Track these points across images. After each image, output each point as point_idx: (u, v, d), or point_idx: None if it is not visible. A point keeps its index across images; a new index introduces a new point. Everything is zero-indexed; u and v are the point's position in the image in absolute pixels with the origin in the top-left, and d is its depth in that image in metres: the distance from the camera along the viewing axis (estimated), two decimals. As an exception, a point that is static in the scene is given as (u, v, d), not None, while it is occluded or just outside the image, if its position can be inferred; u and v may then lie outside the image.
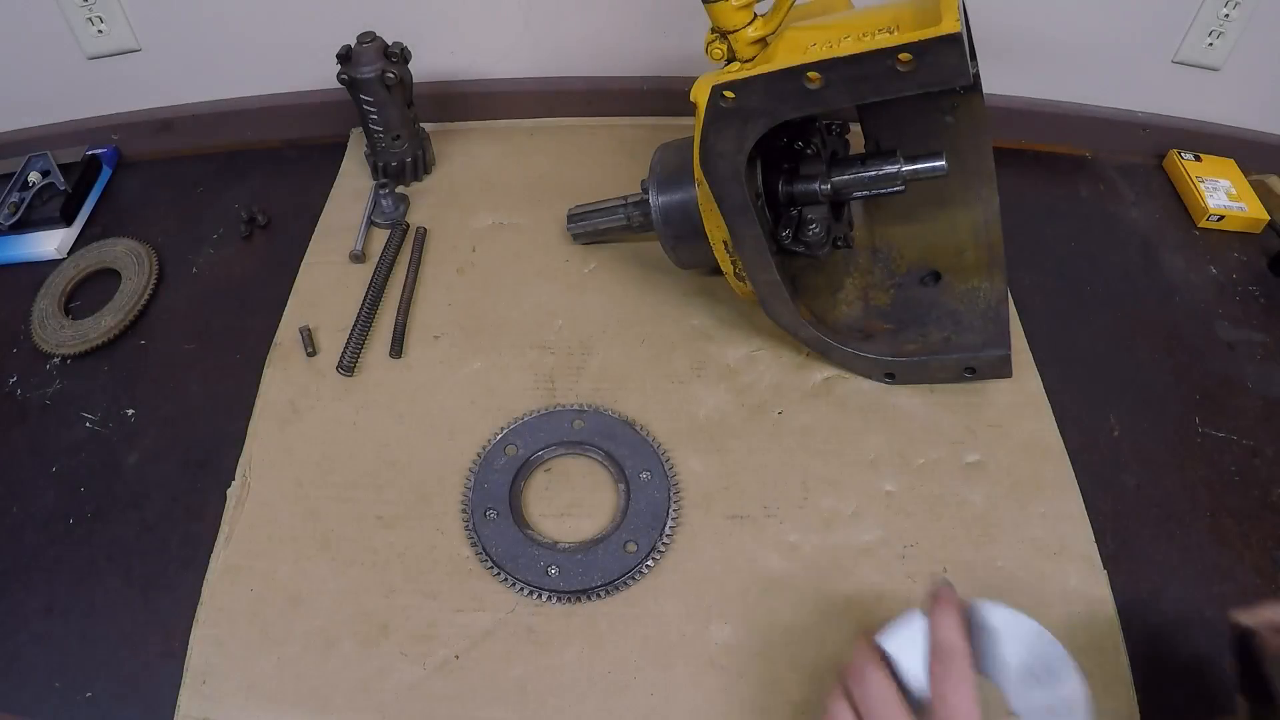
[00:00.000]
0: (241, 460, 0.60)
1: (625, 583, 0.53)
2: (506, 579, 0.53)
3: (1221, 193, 0.79)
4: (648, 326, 0.68)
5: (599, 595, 0.53)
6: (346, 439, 0.62)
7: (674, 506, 0.57)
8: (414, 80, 0.76)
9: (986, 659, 0.41)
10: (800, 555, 0.55)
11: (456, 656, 0.51)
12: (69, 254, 0.77)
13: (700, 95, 0.50)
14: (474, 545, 0.55)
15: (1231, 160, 0.83)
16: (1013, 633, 0.41)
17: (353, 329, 0.67)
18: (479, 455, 0.59)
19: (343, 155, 0.85)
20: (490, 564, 0.54)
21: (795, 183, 0.59)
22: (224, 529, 0.57)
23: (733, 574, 0.54)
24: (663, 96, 0.85)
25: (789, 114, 0.49)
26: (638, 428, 0.61)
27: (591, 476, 0.59)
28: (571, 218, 0.73)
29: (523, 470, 0.59)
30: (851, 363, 0.63)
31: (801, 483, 0.58)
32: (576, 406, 0.62)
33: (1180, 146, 0.84)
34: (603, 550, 0.54)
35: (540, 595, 0.53)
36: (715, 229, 0.58)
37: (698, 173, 0.54)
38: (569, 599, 0.53)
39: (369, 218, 0.77)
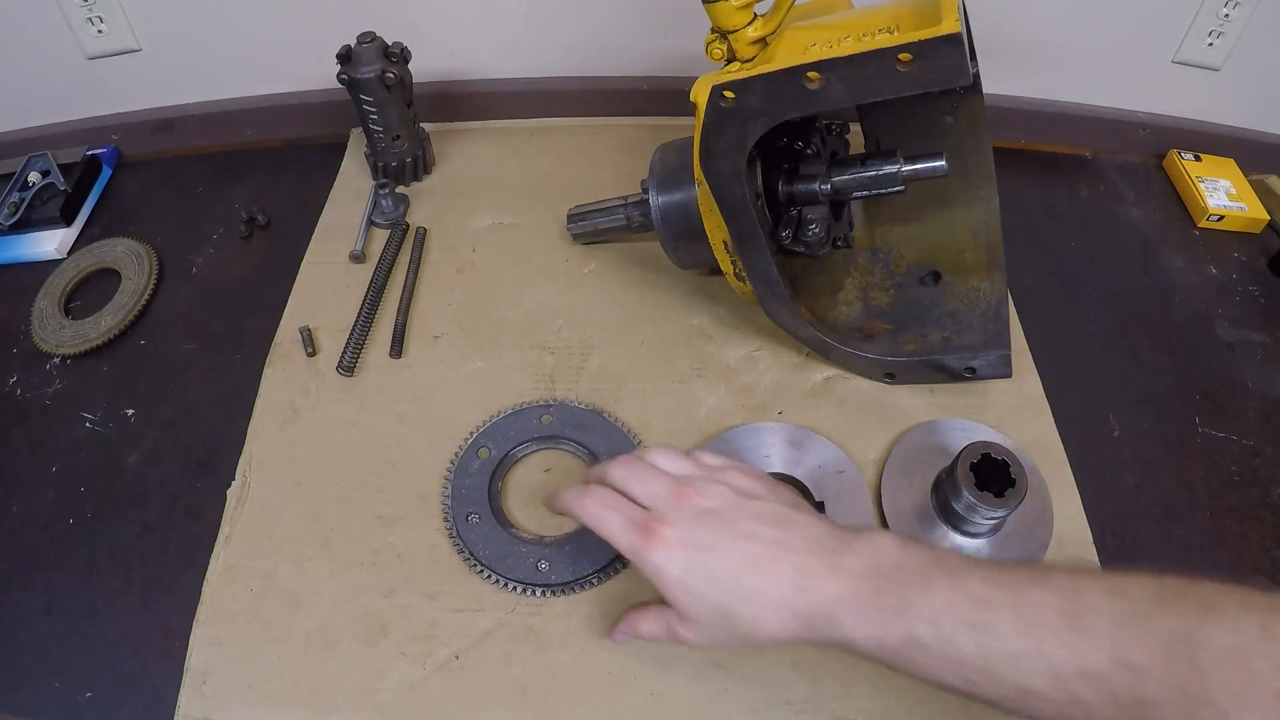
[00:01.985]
0: (241, 460, 0.60)
1: (615, 567, 0.54)
2: (498, 580, 0.53)
3: (1221, 193, 0.79)
4: (648, 327, 0.68)
5: (591, 584, 0.53)
6: (346, 439, 0.62)
7: None
8: (414, 80, 0.76)
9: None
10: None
11: (456, 656, 0.51)
12: (69, 254, 0.77)
13: (700, 95, 0.50)
14: (460, 551, 0.55)
15: (1231, 160, 0.83)
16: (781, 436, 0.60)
17: (353, 329, 0.67)
18: (452, 462, 0.59)
19: (343, 155, 0.85)
20: (480, 567, 0.54)
21: (795, 183, 0.59)
22: (224, 529, 0.57)
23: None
24: (663, 96, 0.85)
25: (789, 114, 0.49)
26: (605, 415, 0.61)
27: (567, 469, 0.60)
28: (571, 218, 0.73)
29: (499, 471, 0.59)
30: (851, 363, 0.63)
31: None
32: (542, 402, 0.62)
33: (1180, 146, 0.84)
34: (590, 538, 0.54)
35: (533, 591, 0.53)
36: (715, 229, 0.58)
37: (698, 173, 0.54)
38: (563, 591, 0.53)
39: (369, 218, 0.77)
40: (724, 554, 0.42)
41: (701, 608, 0.42)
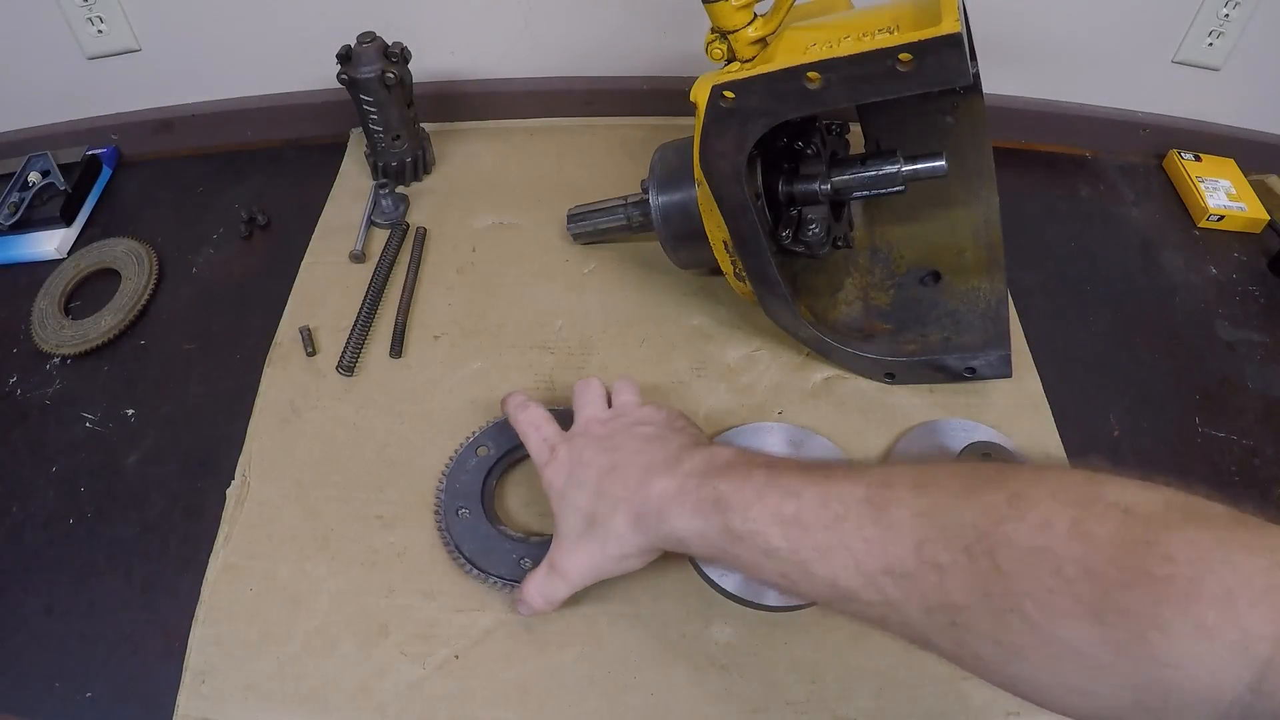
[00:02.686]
0: (241, 460, 0.60)
1: None
2: (479, 574, 0.53)
3: (1221, 193, 0.79)
4: (648, 326, 0.68)
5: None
6: (346, 439, 0.62)
7: None
8: (414, 80, 0.76)
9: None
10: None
11: (456, 656, 0.51)
12: (69, 254, 0.77)
13: (700, 95, 0.50)
14: (446, 544, 0.55)
15: (1231, 160, 0.83)
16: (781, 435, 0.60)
17: (353, 329, 0.67)
18: (451, 459, 0.59)
19: (343, 155, 0.85)
20: (463, 561, 0.53)
21: (795, 183, 0.59)
22: (224, 529, 0.57)
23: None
24: (663, 96, 0.85)
25: (789, 114, 0.49)
26: None
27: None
28: (571, 218, 0.73)
29: (495, 468, 0.58)
30: (851, 363, 0.63)
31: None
32: (544, 403, 0.62)
33: (1180, 146, 0.84)
34: None
35: (515, 588, 0.52)
36: (715, 229, 0.58)
37: (698, 173, 0.54)
38: None
39: (369, 218, 0.77)
40: (593, 466, 0.47)
41: (574, 518, 0.47)
